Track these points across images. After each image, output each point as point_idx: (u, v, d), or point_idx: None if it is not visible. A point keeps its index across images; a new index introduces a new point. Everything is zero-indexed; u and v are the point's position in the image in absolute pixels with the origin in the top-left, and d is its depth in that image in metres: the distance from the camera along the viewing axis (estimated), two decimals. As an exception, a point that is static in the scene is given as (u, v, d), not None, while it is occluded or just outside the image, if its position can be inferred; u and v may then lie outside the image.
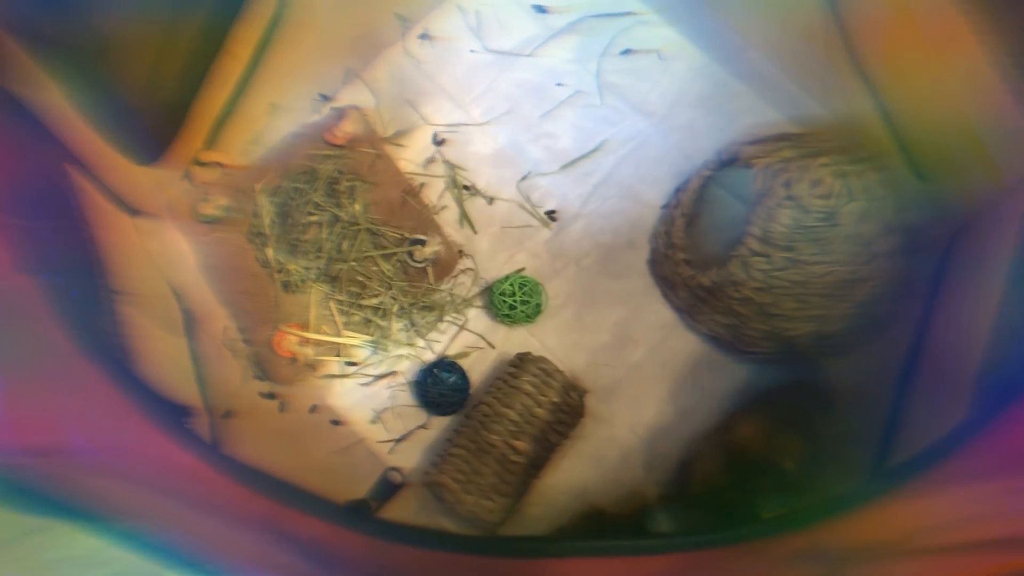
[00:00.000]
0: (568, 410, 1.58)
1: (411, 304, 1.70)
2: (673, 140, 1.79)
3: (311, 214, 1.71)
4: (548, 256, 1.76)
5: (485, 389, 1.63)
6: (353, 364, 1.69)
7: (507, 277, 1.69)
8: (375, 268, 1.71)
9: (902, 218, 1.56)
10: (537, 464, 1.57)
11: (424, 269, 1.71)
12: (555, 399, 1.56)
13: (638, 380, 1.68)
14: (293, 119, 1.80)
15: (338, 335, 1.68)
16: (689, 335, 1.70)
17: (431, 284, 1.72)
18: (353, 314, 1.69)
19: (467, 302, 1.73)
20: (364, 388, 1.69)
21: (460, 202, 1.78)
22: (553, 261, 1.76)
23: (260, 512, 1.24)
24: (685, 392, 1.67)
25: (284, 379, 1.65)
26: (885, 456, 1.35)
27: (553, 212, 1.78)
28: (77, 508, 0.85)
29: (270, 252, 1.69)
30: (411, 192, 1.76)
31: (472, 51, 1.86)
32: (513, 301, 1.66)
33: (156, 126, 1.55)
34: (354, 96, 1.84)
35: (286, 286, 1.68)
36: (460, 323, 1.73)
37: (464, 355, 1.71)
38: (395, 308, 1.69)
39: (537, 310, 1.69)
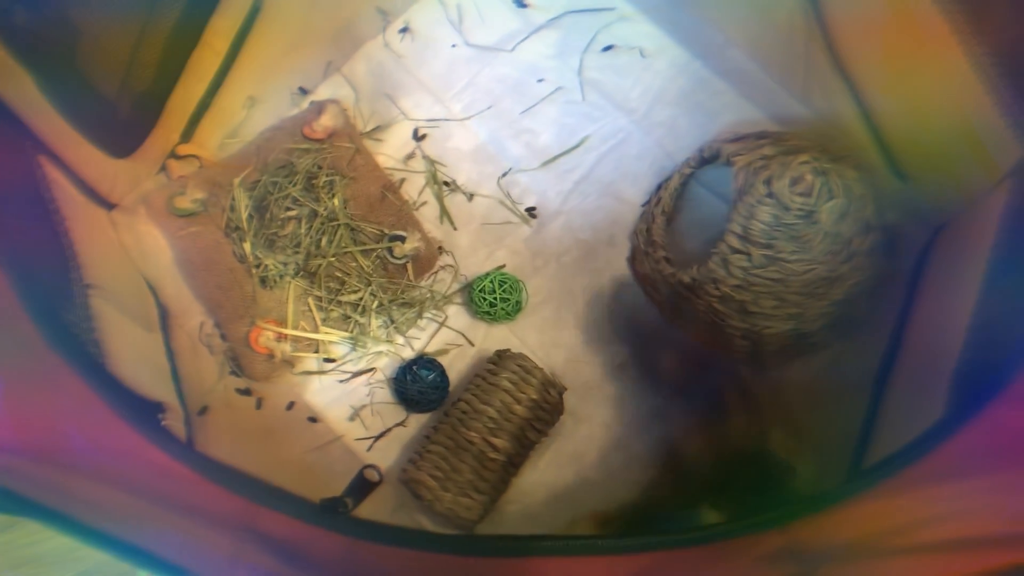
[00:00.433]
0: (547, 407, 1.57)
1: (390, 301, 1.69)
2: (654, 137, 1.79)
3: (289, 209, 1.69)
4: (528, 253, 1.76)
5: (464, 386, 1.62)
6: (331, 361, 1.68)
7: (487, 274, 1.69)
8: (354, 264, 1.69)
9: (881, 216, 1.56)
10: (515, 462, 1.57)
11: (403, 265, 1.70)
12: (534, 396, 1.55)
13: (617, 378, 1.68)
14: (271, 113, 1.79)
15: (316, 331, 1.67)
16: (669, 333, 1.70)
17: (410, 281, 1.71)
18: (331, 310, 1.68)
19: (447, 299, 1.73)
20: (342, 385, 1.68)
21: (440, 198, 1.77)
22: (533, 258, 1.75)
23: (235, 511, 1.23)
24: (663, 390, 1.66)
25: (261, 375, 1.64)
26: (862, 455, 1.35)
27: (533, 209, 1.77)
28: (47, 506, 0.84)
29: (247, 247, 1.67)
30: (390, 188, 1.75)
31: (453, 46, 1.86)
32: (493, 298, 1.66)
33: (132, 119, 1.54)
34: (334, 90, 1.83)
35: (263, 281, 1.67)
36: (440, 320, 1.72)
37: (443, 352, 1.70)
38: (374, 304, 1.68)
39: (517, 307, 1.69)
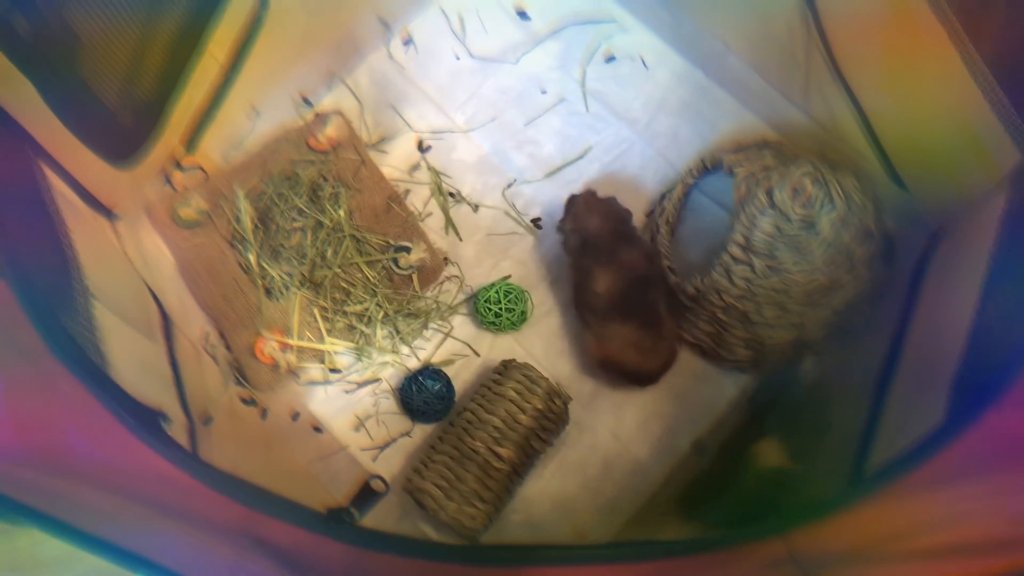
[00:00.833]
0: (552, 417, 1.57)
1: (396, 311, 1.69)
2: (656, 147, 1.80)
3: (294, 220, 1.70)
4: (533, 263, 1.76)
5: (470, 396, 1.62)
6: (336, 371, 1.69)
7: (492, 285, 1.69)
8: (359, 275, 1.70)
9: (881, 224, 1.56)
10: (520, 471, 1.57)
11: (409, 276, 1.71)
12: (539, 406, 1.55)
13: (622, 388, 1.67)
14: (275, 124, 1.80)
15: (321, 342, 1.67)
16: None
17: (416, 291, 1.71)
18: (337, 321, 1.69)
19: (452, 309, 1.73)
20: (347, 395, 1.68)
21: (445, 209, 1.78)
22: (538, 268, 1.76)
23: (239, 520, 1.23)
24: (668, 400, 1.66)
25: (265, 385, 1.65)
26: (863, 460, 1.35)
27: (538, 219, 1.78)
28: (48, 512, 0.84)
29: (253, 257, 1.68)
30: (396, 199, 1.76)
31: (456, 58, 1.87)
32: (498, 309, 1.66)
33: (133, 128, 1.54)
34: (338, 101, 1.84)
35: (268, 292, 1.68)
36: (445, 331, 1.72)
37: (449, 363, 1.70)
38: (379, 315, 1.69)
39: (522, 318, 1.69)
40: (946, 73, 1.30)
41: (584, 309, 1.64)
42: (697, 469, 1.60)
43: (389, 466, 1.65)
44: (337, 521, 1.53)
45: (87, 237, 1.36)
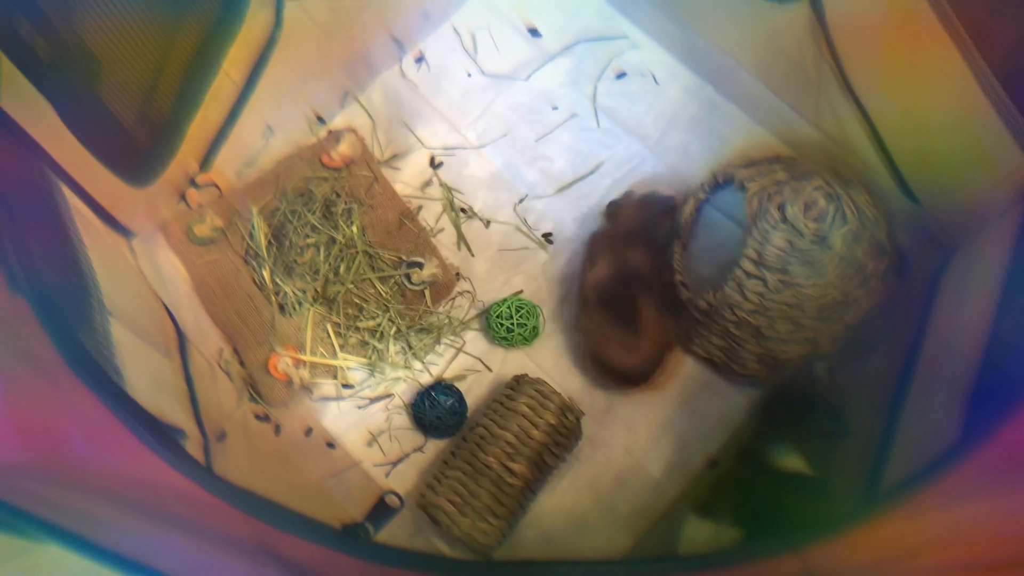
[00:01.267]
0: (564, 432, 1.57)
1: (408, 327, 1.70)
2: (668, 162, 1.80)
3: (308, 236, 1.71)
4: (545, 279, 1.77)
5: (482, 412, 1.62)
6: (349, 387, 1.69)
7: (504, 300, 1.69)
8: (372, 291, 1.71)
9: (894, 239, 1.56)
10: (533, 487, 1.57)
11: (421, 292, 1.71)
12: (551, 421, 1.55)
13: (634, 403, 1.68)
14: (289, 141, 1.81)
15: (334, 357, 1.68)
16: (684, 358, 1.70)
17: (428, 307, 1.72)
18: (350, 336, 1.69)
19: (464, 325, 1.73)
20: (360, 411, 1.69)
21: (457, 225, 1.79)
22: (550, 284, 1.76)
23: (254, 536, 1.23)
24: (681, 415, 1.66)
25: (279, 401, 1.65)
26: (879, 477, 1.34)
27: (550, 235, 1.79)
28: (67, 529, 0.85)
29: (266, 274, 1.69)
30: (408, 215, 1.76)
31: (468, 75, 1.88)
32: (510, 324, 1.66)
33: (151, 148, 1.56)
34: (351, 119, 1.85)
35: (282, 308, 1.69)
36: (457, 346, 1.73)
37: (461, 378, 1.71)
38: (392, 331, 1.69)
39: (534, 333, 1.69)
40: (957, 86, 1.31)
41: (579, 297, 1.68)
42: (712, 479, 1.60)
43: (402, 481, 1.65)
44: (352, 536, 1.53)
45: (104, 255, 1.37)
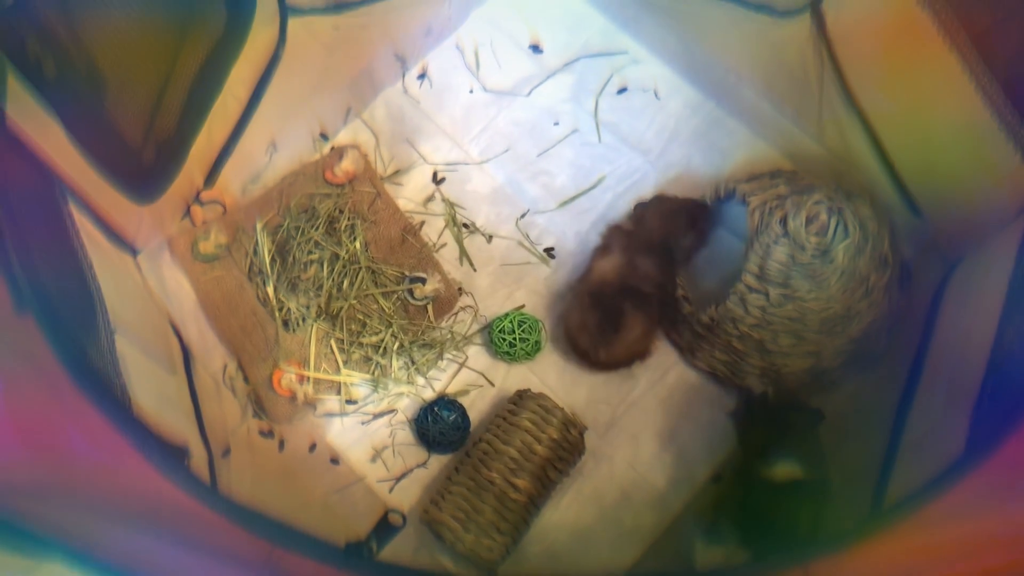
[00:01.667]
0: (568, 447, 1.57)
1: (411, 342, 1.70)
2: (670, 176, 1.81)
3: (311, 252, 1.72)
4: (547, 293, 1.77)
5: (485, 427, 1.62)
6: (353, 402, 1.69)
7: (506, 315, 1.70)
8: (375, 306, 1.71)
9: (897, 252, 1.57)
10: (537, 502, 1.57)
11: (424, 307, 1.72)
12: (555, 436, 1.55)
13: (637, 417, 1.68)
14: (293, 158, 1.82)
15: (338, 373, 1.68)
16: (688, 371, 1.70)
17: (431, 322, 1.72)
18: (353, 352, 1.69)
19: (467, 340, 1.74)
20: (364, 426, 1.69)
21: (459, 240, 1.79)
22: (552, 298, 1.76)
23: (258, 553, 1.23)
24: (684, 429, 1.66)
25: (283, 417, 1.65)
26: (883, 491, 1.34)
27: (552, 249, 1.79)
28: (72, 548, 0.85)
29: (270, 290, 1.70)
30: (410, 230, 1.77)
31: (470, 91, 1.89)
32: (512, 339, 1.67)
33: (156, 165, 1.56)
34: (354, 135, 1.86)
35: (286, 324, 1.69)
36: (460, 361, 1.73)
37: (464, 393, 1.71)
38: (395, 346, 1.69)
39: (537, 347, 1.69)
40: (959, 97, 1.31)
41: (578, 283, 1.70)
42: (715, 495, 1.59)
43: (406, 497, 1.65)
44: (357, 555, 1.53)
45: (109, 271, 1.38)
